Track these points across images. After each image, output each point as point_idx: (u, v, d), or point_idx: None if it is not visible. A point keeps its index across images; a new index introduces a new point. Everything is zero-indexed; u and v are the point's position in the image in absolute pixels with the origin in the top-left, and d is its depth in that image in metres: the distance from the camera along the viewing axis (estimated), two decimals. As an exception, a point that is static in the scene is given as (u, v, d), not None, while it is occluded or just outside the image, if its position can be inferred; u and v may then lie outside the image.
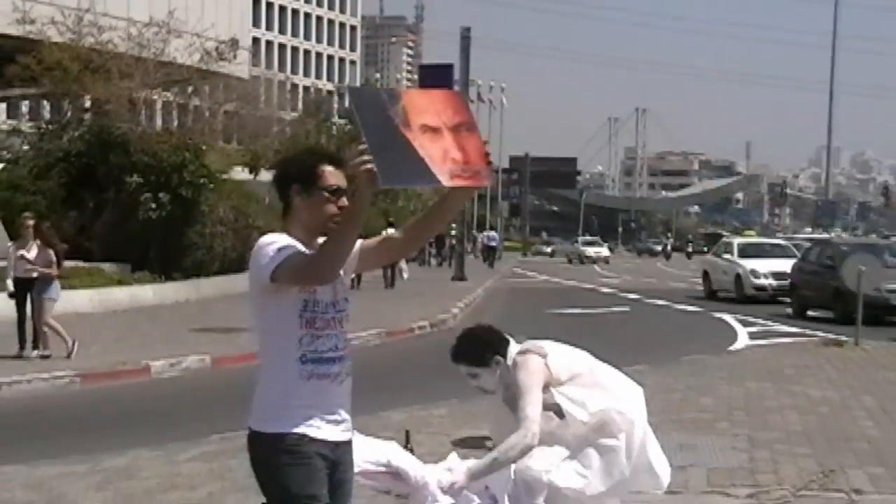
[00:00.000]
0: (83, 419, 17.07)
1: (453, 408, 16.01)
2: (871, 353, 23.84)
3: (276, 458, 5.40)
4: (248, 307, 5.69)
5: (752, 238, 54.59)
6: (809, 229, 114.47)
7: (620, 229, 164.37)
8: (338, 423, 5.52)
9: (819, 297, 29.53)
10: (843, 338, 25.75)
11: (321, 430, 5.43)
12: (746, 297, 40.14)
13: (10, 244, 23.16)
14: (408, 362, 24.21)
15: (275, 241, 5.37)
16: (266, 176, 47.01)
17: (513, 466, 7.61)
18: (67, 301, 29.38)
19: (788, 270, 37.41)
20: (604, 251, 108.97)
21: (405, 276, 49.26)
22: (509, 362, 7.74)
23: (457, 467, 7.58)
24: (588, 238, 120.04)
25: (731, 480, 11.53)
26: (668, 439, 13.56)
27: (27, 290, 22.14)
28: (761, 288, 40.12)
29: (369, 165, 4.97)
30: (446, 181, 5.17)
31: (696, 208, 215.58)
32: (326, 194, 5.44)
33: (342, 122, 59.17)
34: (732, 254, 43.85)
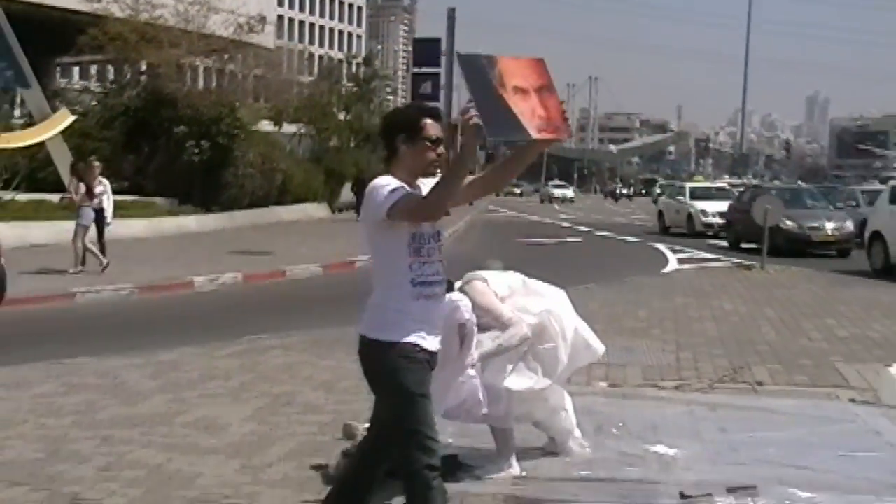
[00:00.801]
0: (140, 322, 17.36)
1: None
2: (773, 275, 24.13)
3: (394, 361, 5.45)
4: (363, 238, 5.73)
5: (702, 183, 54.05)
6: (727, 176, 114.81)
7: (576, 175, 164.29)
8: (436, 335, 5.63)
9: (750, 232, 29.40)
10: (752, 263, 25.94)
11: (427, 340, 5.53)
12: (696, 233, 39.93)
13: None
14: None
15: (388, 184, 5.39)
16: (288, 128, 47.21)
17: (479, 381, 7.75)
18: (126, 228, 29.65)
19: None
20: (569, 193, 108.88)
21: None
22: (455, 296, 7.73)
23: (474, 344, 7.60)
24: (557, 182, 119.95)
25: (661, 376, 11.80)
26: (612, 343, 13.69)
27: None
28: (709, 225, 39.88)
29: (476, 120, 5.14)
30: (535, 134, 5.30)
31: (636, 159, 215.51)
32: (428, 143, 5.48)
33: (350, 84, 58.93)
34: (685, 196, 43.44)
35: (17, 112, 35.04)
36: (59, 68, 50.37)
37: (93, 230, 22.64)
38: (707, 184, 51.95)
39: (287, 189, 41.40)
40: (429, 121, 5.52)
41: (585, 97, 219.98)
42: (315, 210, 44.43)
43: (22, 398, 10.50)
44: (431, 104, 39.89)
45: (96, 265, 22.00)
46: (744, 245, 29.10)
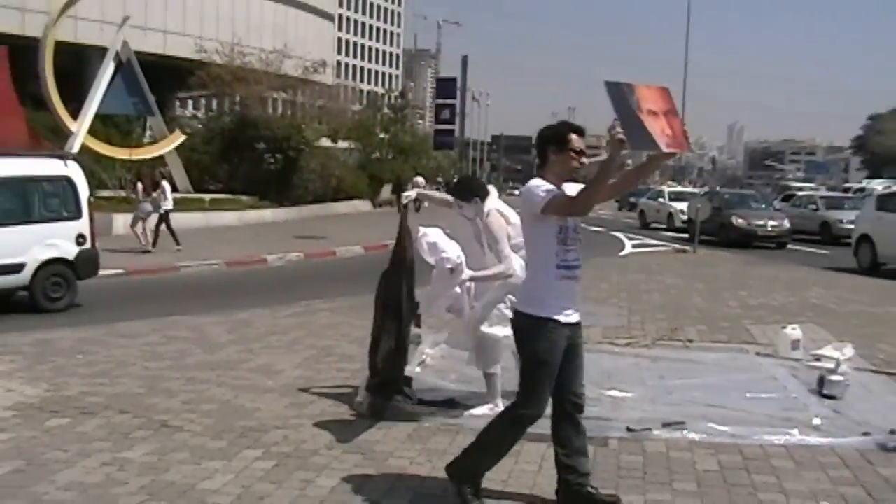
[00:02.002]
0: (225, 289, 17.15)
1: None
2: (703, 257, 23.71)
3: (535, 332, 5.26)
4: (523, 230, 5.60)
5: (677, 188, 51.40)
6: (670, 182, 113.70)
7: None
8: (575, 311, 5.39)
9: (709, 228, 28.31)
10: (687, 247, 25.58)
11: (567, 316, 5.31)
12: (676, 228, 36.80)
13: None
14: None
15: (541, 185, 5.22)
16: (341, 144, 47.18)
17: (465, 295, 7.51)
18: (219, 219, 29.67)
19: None
20: None
21: (425, 204, 49.13)
22: (485, 207, 7.50)
23: (466, 270, 7.43)
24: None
25: (616, 335, 11.43)
26: (580, 309, 13.50)
27: None
28: (685, 221, 36.33)
29: (620, 135, 4.92)
30: (664, 148, 5.14)
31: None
32: (573, 153, 5.31)
33: (388, 111, 58.75)
34: (665, 198, 40.69)
35: (147, 133, 35.08)
36: (178, 101, 50.25)
37: (152, 219, 22.51)
38: (681, 188, 49.23)
39: (340, 189, 41.19)
40: (574, 135, 5.35)
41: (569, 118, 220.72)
42: (361, 205, 44.35)
43: (133, 346, 10.31)
44: (448, 126, 39.26)
45: (171, 245, 21.90)
46: (703, 237, 27.27)
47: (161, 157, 31.90)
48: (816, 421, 7.50)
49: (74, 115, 28.86)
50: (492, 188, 7.94)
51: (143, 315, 12.55)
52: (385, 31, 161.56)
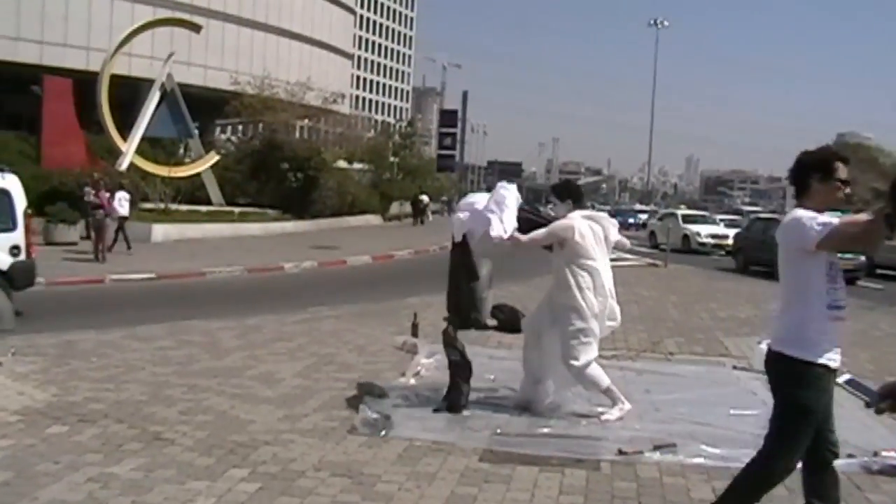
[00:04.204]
0: (242, 294, 15.86)
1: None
2: (673, 271, 22.55)
3: (803, 378, 4.07)
4: (783, 264, 4.22)
5: (688, 211, 45.00)
6: (638, 204, 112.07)
7: (544, 201, 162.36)
8: (839, 353, 4.15)
9: (759, 256, 23.23)
10: (658, 262, 24.46)
11: (834, 361, 4.10)
12: (691, 250, 32.94)
13: None
14: (424, 267, 22.94)
15: (814, 217, 4.04)
16: (356, 165, 46.26)
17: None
18: (246, 230, 28.74)
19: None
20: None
21: (430, 219, 48.79)
22: (574, 213, 6.77)
23: (517, 234, 6.74)
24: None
25: (601, 346, 10.33)
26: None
27: None
28: (702, 244, 33.47)
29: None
30: None
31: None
32: (838, 183, 4.16)
33: (398, 139, 58.03)
34: (679, 220, 35.92)
35: (188, 154, 34.37)
36: (218, 128, 49.36)
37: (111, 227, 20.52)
38: (694, 212, 43.10)
39: (355, 205, 40.44)
40: (840, 164, 4.20)
41: (551, 151, 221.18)
42: (372, 219, 43.50)
43: (146, 350, 9.17)
44: (449, 152, 38.14)
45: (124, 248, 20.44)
46: (753, 268, 23.85)
47: (198, 175, 31.51)
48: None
49: (127, 138, 29.00)
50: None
51: (164, 318, 11.40)
52: (397, 70, 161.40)
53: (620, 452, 5.90)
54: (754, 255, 23.59)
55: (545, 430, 6.44)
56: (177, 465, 5.44)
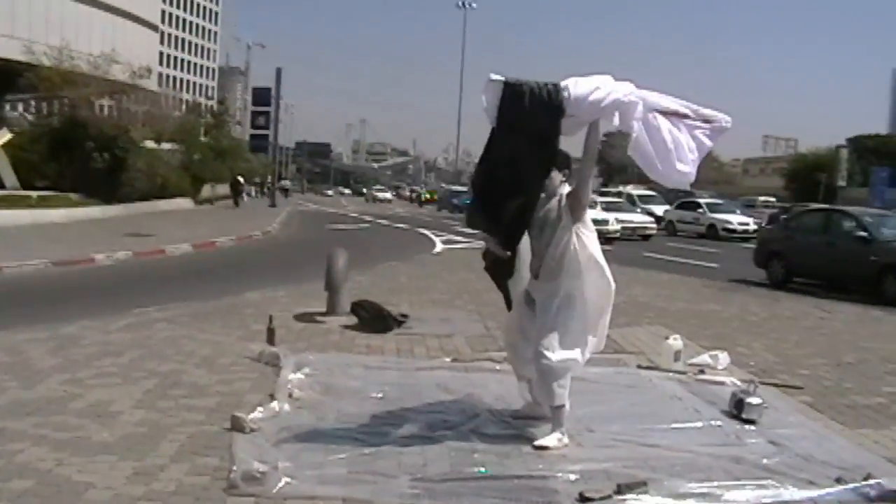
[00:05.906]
0: (50, 293, 13.23)
1: (290, 290, 13.13)
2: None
3: None
4: None
5: (711, 200, 41.29)
6: (443, 185, 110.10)
7: (352, 182, 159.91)
8: None
9: (813, 263, 17.90)
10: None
11: None
12: (718, 237, 32.69)
13: None
14: (253, 257, 21.07)
15: None
16: (165, 146, 43.23)
17: None
18: (46, 217, 25.91)
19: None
20: (389, 195, 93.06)
21: (246, 200, 47.55)
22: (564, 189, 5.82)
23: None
24: (379, 187, 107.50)
25: (483, 346, 9.19)
26: (432, 314, 11.11)
27: None
28: (730, 230, 33.44)
29: None
30: None
31: (389, 172, 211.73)
32: None
33: (208, 117, 55.43)
34: (704, 209, 35.09)
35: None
36: (7, 104, 44.65)
37: None
38: (717, 200, 39.50)
39: (165, 187, 37.88)
40: None
41: (358, 132, 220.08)
42: (184, 203, 41.04)
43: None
44: (263, 132, 36.27)
45: None
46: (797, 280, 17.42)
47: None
48: (765, 461, 5.57)
49: None
50: None
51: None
52: (203, 47, 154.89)
53: (583, 499, 4.66)
54: (804, 263, 17.27)
55: (475, 472, 5.10)
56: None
